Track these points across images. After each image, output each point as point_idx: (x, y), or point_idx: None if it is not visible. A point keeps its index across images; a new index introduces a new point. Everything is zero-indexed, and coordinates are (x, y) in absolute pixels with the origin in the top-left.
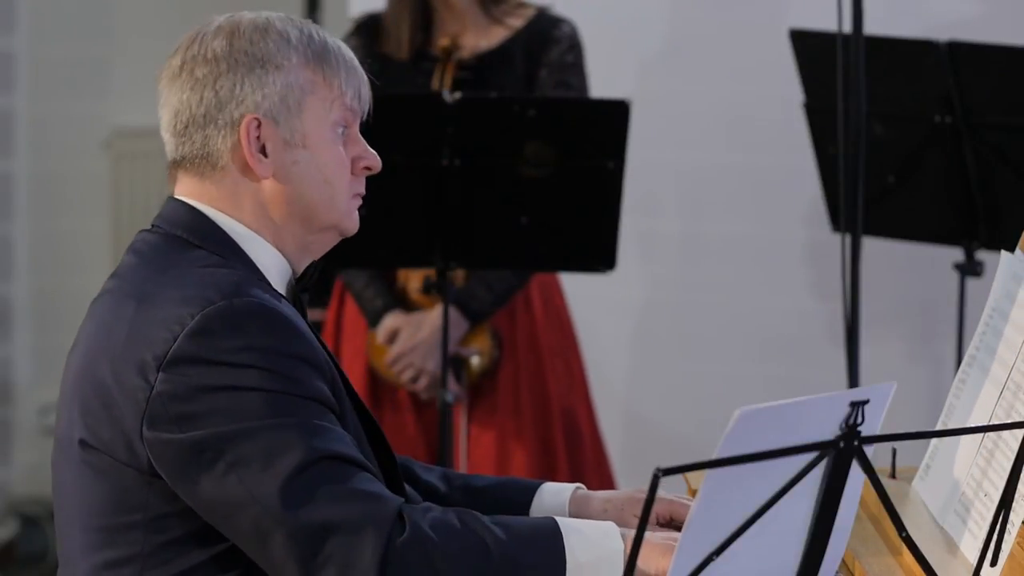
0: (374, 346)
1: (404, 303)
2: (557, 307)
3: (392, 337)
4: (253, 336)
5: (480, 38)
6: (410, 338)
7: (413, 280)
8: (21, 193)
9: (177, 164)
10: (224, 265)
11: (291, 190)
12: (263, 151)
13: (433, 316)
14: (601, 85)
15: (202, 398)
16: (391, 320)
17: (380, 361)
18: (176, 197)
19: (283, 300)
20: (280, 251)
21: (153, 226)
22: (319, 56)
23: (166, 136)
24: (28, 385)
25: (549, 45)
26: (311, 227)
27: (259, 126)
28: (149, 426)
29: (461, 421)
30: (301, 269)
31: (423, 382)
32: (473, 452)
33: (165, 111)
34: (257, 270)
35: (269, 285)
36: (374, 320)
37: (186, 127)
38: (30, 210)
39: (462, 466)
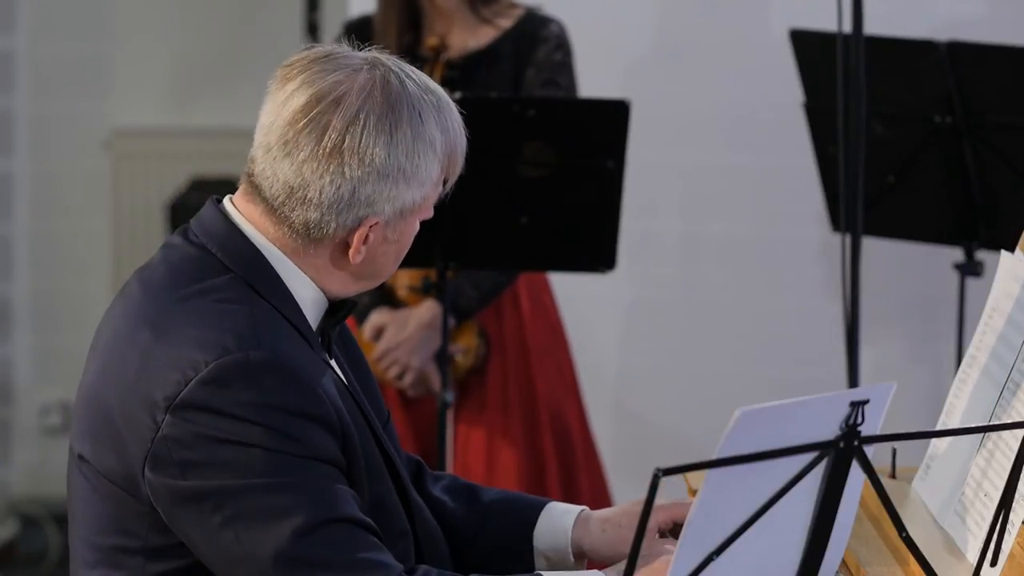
0: (361, 343)
1: (390, 300)
2: (545, 306)
3: (378, 334)
4: (265, 393)
5: (469, 38)
6: (395, 335)
7: (400, 277)
8: (21, 193)
9: (263, 196)
10: (247, 299)
11: (369, 269)
12: (364, 240)
13: (418, 313)
14: (591, 85)
15: (206, 448)
16: (377, 317)
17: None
18: (222, 206)
19: (305, 341)
20: (320, 288)
21: (189, 231)
22: (451, 156)
23: (274, 175)
24: (28, 385)
25: (537, 44)
26: (368, 286)
27: (372, 226)
28: (152, 468)
29: (448, 419)
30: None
31: (409, 379)
32: (461, 450)
33: (287, 162)
34: (289, 300)
35: (299, 317)
36: (360, 317)
37: (307, 202)
38: (30, 210)
39: (449, 465)
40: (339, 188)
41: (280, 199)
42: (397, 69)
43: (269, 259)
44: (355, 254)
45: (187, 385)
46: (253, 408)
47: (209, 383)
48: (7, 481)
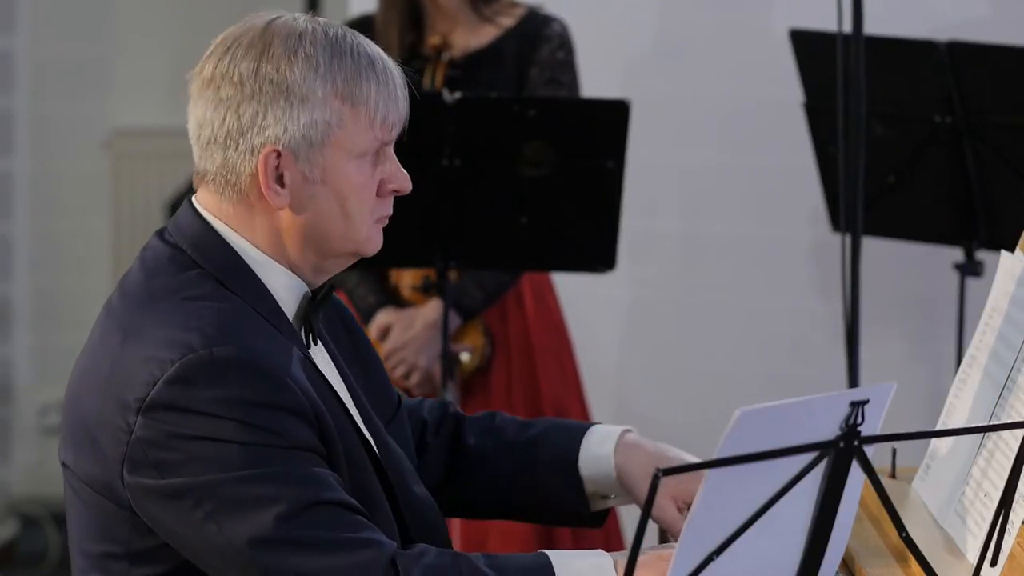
0: None
1: (396, 300)
2: (549, 306)
3: (384, 334)
4: (232, 388)
5: (471, 37)
6: (402, 334)
7: (405, 277)
8: (21, 193)
9: (200, 175)
10: (216, 295)
11: (306, 222)
12: (280, 181)
13: (425, 312)
14: (592, 84)
15: (179, 446)
16: (383, 316)
17: None
18: (195, 205)
19: (280, 334)
20: (295, 273)
21: (165, 232)
22: (349, 84)
23: (192, 142)
24: (28, 385)
25: (540, 43)
26: (325, 254)
27: (278, 157)
28: (129, 471)
29: None
30: (318, 284)
31: (415, 378)
32: None
33: (191, 119)
34: (263, 294)
35: (273, 310)
36: (366, 317)
37: (207, 144)
38: (30, 210)
39: None
40: (224, 118)
41: (195, 153)
42: (292, 17)
43: (241, 254)
44: (270, 193)
45: (155, 385)
46: (222, 404)
47: (175, 382)
48: (7, 481)
